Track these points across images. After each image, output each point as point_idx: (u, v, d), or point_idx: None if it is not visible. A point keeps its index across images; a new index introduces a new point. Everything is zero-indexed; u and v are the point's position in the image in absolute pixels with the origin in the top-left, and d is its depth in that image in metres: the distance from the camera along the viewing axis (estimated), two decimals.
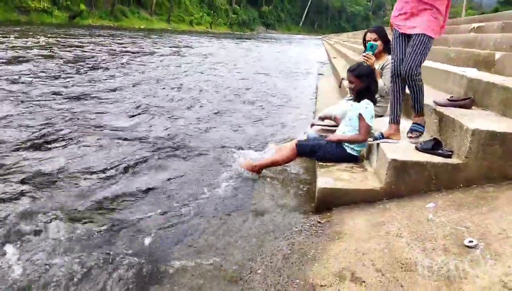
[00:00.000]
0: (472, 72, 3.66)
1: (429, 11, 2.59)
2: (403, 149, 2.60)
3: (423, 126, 2.84)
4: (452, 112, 2.73)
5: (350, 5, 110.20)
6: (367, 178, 2.63)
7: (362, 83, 2.97)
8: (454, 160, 2.41)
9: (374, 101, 3.07)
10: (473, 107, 3.05)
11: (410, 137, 2.79)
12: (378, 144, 2.75)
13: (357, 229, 2.17)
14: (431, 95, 3.67)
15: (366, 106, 2.95)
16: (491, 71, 3.89)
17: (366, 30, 4.01)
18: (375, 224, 2.17)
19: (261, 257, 2.05)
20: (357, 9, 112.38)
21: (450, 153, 2.46)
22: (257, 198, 2.84)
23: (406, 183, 2.42)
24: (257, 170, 3.21)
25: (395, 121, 2.89)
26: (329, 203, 2.49)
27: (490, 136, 2.30)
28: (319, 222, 2.34)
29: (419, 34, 2.60)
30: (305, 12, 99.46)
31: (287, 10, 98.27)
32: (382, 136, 2.85)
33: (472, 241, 1.76)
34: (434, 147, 2.51)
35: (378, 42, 3.66)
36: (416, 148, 2.58)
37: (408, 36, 2.70)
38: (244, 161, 3.35)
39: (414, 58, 2.62)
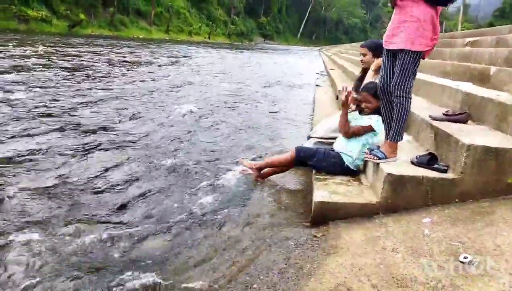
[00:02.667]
0: (467, 87, 3.70)
1: (414, 24, 2.47)
2: (399, 163, 2.61)
3: (386, 157, 2.62)
4: (448, 127, 2.75)
5: (347, 17, 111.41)
6: (363, 192, 2.63)
7: (378, 103, 2.91)
8: (450, 175, 2.42)
9: None
10: (468, 121, 3.08)
11: (366, 155, 2.73)
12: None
13: (353, 243, 2.16)
14: (426, 109, 3.71)
15: (377, 119, 2.95)
16: (486, 85, 3.93)
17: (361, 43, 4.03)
18: (371, 239, 2.16)
19: (256, 271, 2.03)
20: (354, 21, 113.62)
21: (446, 168, 2.47)
22: (252, 210, 2.84)
23: (402, 197, 2.42)
24: (257, 170, 3.25)
25: (400, 138, 2.70)
26: (325, 216, 2.49)
27: (485, 151, 2.32)
28: (315, 236, 2.33)
29: (402, 50, 2.51)
30: (303, 23, 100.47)
31: (285, 21, 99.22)
32: (378, 147, 2.78)
33: (467, 257, 1.76)
34: (430, 161, 2.52)
35: (368, 56, 3.64)
36: (412, 162, 2.59)
37: (394, 53, 2.61)
38: (244, 163, 3.40)
39: (398, 76, 2.53)
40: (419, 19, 2.46)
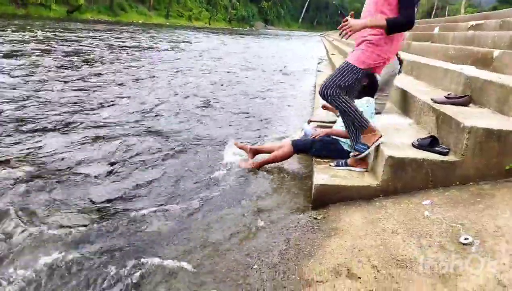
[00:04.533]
0: (469, 70, 3.66)
1: (365, 42, 2.51)
2: (400, 146, 2.60)
3: (368, 147, 2.61)
4: (449, 110, 2.73)
5: (350, 2, 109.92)
6: (364, 175, 2.63)
7: (367, 80, 2.92)
8: (451, 157, 2.41)
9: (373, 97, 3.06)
10: (470, 105, 3.06)
11: (354, 156, 2.70)
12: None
13: (353, 225, 2.17)
14: (428, 93, 3.68)
15: (367, 105, 2.94)
16: (489, 69, 3.89)
17: None
18: (371, 221, 2.17)
19: (257, 252, 2.04)
20: (357, 7, 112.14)
21: (447, 150, 2.46)
22: (253, 194, 2.84)
23: (402, 180, 2.42)
24: (257, 167, 3.24)
25: (365, 125, 2.64)
26: (325, 199, 2.49)
27: (486, 134, 2.30)
28: (315, 218, 2.34)
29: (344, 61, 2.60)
30: (304, 8, 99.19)
31: (286, 6, 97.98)
32: (346, 164, 2.76)
33: (467, 238, 1.76)
34: (431, 144, 2.51)
35: None
36: (413, 145, 2.58)
37: None
38: (243, 160, 3.38)
39: (328, 80, 2.56)
40: (365, 38, 2.50)
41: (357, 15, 2.55)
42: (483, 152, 2.33)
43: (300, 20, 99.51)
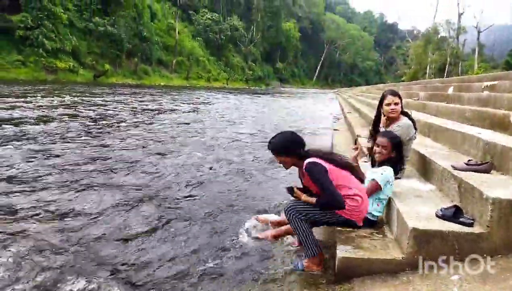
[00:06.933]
0: (487, 135, 3.69)
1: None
2: (423, 216, 2.58)
3: (304, 271, 2.67)
4: (471, 179, 2.73)
5: (362, 60, 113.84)
6: (388, 246, 2.59)
7: (393, 154, 2.99)
8: (476, 229, 2.37)
9: (397, 172, 3.11)
10: (492, 171, 3.04)
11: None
12: (397, 210, 2.73)
13: None
14: (447, 157, 3.69)
15: (382, 172, 2.98)
16: (507, 132, 3.91)
17: (384, 92, 3.85)
18: None
19: None
20: (369, 64, 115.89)
21: (472, 221, 2.43)
22: (272, 264, 2.81)
23: (428, 252, 2.37)
24: (275, 238, 3.25)
25: (313, 254, 2.69)
26: (349, 272, 2.44)
27: (511, 205, 2.28)
28: None
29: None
30: (318, 67, 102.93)
31: (301, 65, 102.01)
32: (302, 266, 2.72)
33: None
34: (455, 214, 2.48)
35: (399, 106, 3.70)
36: (437, 215, 2.56)
37: None
38: (262, 231, 3.40)
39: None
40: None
41: None
42: (510, 223, 2.29)
43: (314, 78, 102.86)
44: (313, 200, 2.69)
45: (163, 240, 3.24)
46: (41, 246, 2.96)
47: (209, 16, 67.00)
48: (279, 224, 3.43)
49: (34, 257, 2.77)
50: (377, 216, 3.04)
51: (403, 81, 50.05)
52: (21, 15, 34.56)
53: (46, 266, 2.66)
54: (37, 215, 3.61)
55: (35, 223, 3.40)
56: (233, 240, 3.28)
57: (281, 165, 2.88)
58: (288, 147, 2.80)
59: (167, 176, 5.32)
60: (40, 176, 4.87)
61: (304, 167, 2.71)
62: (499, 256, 2.31)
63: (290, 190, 2.87)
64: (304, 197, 2.76)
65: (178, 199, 4.35)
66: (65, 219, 3.56)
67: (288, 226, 3.27)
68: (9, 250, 2.84)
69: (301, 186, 2.96)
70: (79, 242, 3.10)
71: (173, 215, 3.81)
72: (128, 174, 5.29)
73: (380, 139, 3.22)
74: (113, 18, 43.60)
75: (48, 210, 3.74)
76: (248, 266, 2.82)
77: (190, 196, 4.50)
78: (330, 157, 2.82)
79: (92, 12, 42.70)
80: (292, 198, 2.90)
